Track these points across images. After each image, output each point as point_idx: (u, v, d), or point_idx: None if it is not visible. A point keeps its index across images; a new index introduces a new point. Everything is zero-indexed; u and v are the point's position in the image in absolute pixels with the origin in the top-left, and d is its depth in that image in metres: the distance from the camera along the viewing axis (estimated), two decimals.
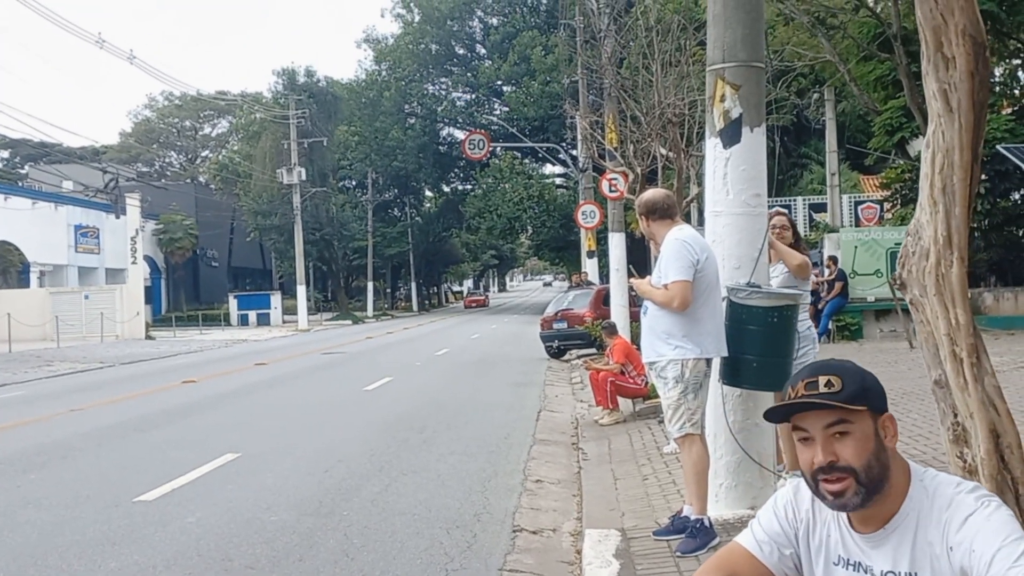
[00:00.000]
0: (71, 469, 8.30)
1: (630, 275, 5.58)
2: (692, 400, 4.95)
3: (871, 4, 20.36)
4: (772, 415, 1.99)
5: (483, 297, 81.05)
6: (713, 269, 5.05)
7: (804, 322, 6.01)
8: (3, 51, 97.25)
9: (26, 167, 58.07)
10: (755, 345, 5.18)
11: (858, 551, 1.92)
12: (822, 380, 1.89)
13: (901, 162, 20.80)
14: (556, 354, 20.12)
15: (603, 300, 18.83)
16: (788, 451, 5.77)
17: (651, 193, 5.47)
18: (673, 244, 5.00)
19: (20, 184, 49.38)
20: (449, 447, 9.01)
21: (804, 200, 26.74)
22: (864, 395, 1.88)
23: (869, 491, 1.87)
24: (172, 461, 8.47)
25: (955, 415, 2.52)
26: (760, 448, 5.51)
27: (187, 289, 53.78)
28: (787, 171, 33.39)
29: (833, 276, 17.74)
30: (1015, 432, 2.51)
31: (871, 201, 24.83)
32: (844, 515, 1.94)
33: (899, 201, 20.48)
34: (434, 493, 6.97)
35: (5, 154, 64.73)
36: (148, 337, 35.56)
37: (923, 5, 2.44)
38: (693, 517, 4.95)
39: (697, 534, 4.89)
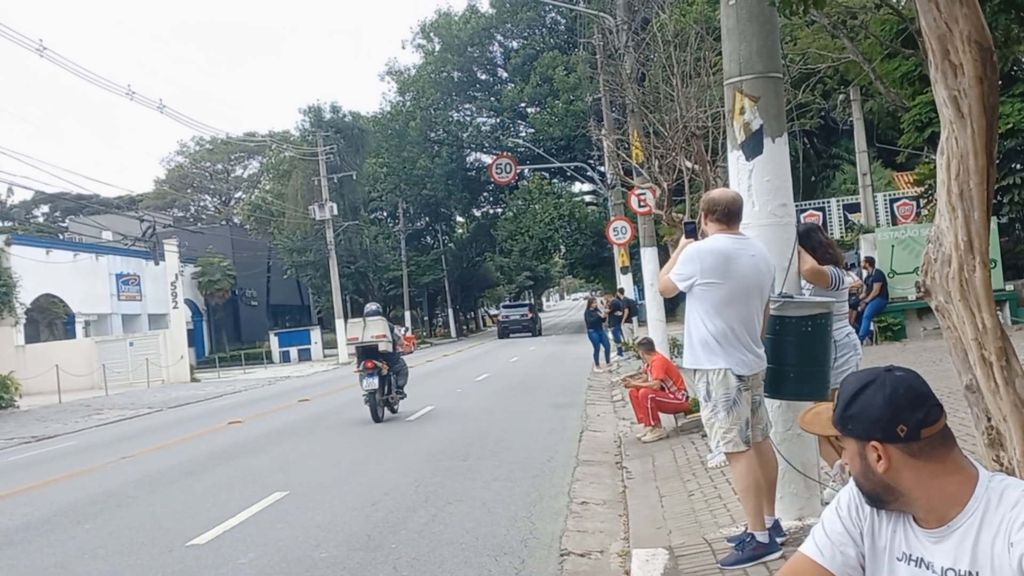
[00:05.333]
0: (124, 517, 8.43)
1: (691, 235, 5.40)
2: (724, 418, 4.90)
3: (892, 1, 20.23)
4: None
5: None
6: (740, 283, 4.90)
7: (843, 329, 5.95)
8: (37, 109, 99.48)
9: (66, 220, 59.25)
10: (791, 355, 5.17)
11: (920, 547, 1.95)
12: (837, 396, 2.02)
13: (933, 157, 20.57)
14: None
15: None
16: (825, 451, 5.76)
17: (720, 191, 5.34)
18: (689, 249, 5.03)
19: (61, 237, 50.39)
20: (493, 473, 9.03)
21: (838, 201, 26.53)
22: (841, 421, 2.00)
23: (868, 499, 2.03)
24: (222, 503, 8.58)
25: (988, 419, 2.51)
26: (804, 458, 5.49)
27: (228, 330, 54.39)
28: (819, 173, 33.17)
29: (870, 276, 17.56)
30: None
31: (907, 198, 24.55)
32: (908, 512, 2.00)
33: (935, 197, 20.24)
34: (480, 521, 7.00)
35: (45, 208, 66.10)
36: (193, 380, 35.98)
37: (927, 15, 2.46)
38: (748, 531, 4.95)
39: (744, 547, 4.88)
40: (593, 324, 23.38)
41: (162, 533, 7.51)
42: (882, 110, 26.23)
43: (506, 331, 50.74)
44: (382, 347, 14.74)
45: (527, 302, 57.85)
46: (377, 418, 14.45)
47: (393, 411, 15.15)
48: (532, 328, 50.39)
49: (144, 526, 7.88)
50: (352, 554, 6.31)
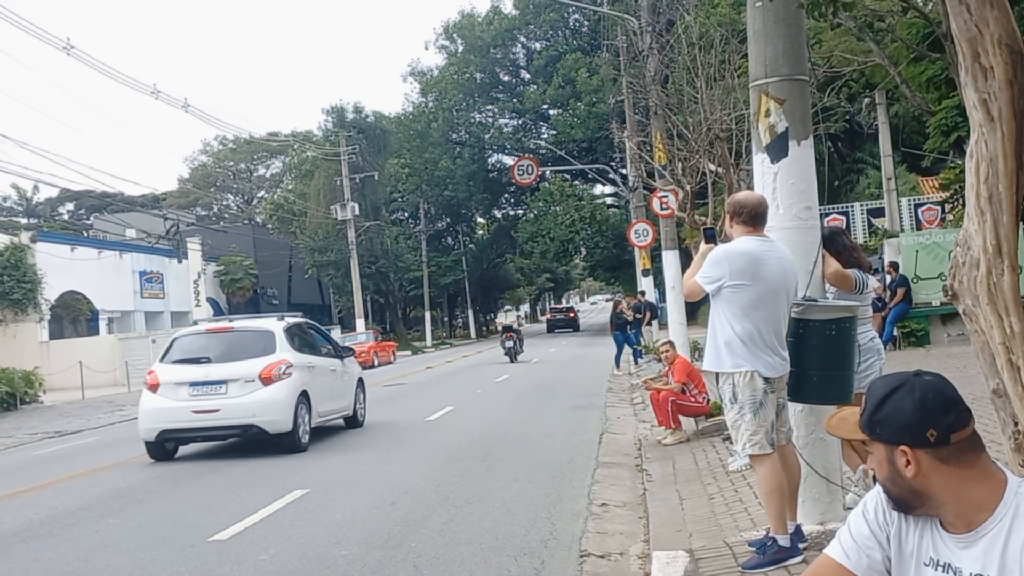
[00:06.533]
0: (147, 512, 8.50)
1: (711, 240, 5.39)
2: (750, 420, 4.89)
3: (919, 4, 20.05)
4: None
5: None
6: (768, 285, 4.90)
7: (867, 333, 5.92)
8: (63, 107, 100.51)
9: (91, 218, 59.80)
10: (815, 359, 5.14)
11: (948, 552, 1.95)
12: (864, 400, 2.01)
13: (959, 162, 20.37)
14: None
15: None
16: (847, 456, 5.74)
17: (745, 194, 5.35)
18: (717, 252, 5.03)
19: (86, 234, 50.85)
20: (513, 474, 9.04)
21: (862, 205, 26.35)
22: (869, 425, 1.99)
23: (895, 504, 2.01)
24: (244, 500, 8.63)
25: (1015, 424, 2.50)
26: (826, 462, 5.46)
27: None
28: (843, 177, 32.95)
29: (894, 281, 17.43)
30: None
31: (931, 203, 24.32)
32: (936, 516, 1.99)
33: (960, 202, 20.05)
34: (500, 521, 7.01)
35: (70, 206, 66.75)
36: None
37: (957, 18, 2.45)
38: (770, 534, 4.93)
39: (766, 551, 4.87)
40: (619, 327, 23.34)
41: (184, 528, 7.57)
42: (907, 114, 26.00)
43: (553, 327, 62.58)
44: (515, 326, 30.49)
45: (570, 305, 78.48)
46: (512, 360, 28.61)
47: (517, 359, 28.96)
48: (573, 324, 62.18)
49: (166, 521, 7.95)
50: (372, 552, 6.34)
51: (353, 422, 14.20)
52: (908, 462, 1.91)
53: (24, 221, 59.34)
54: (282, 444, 11.64)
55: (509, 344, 28.77)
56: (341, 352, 14.35)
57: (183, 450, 12.45)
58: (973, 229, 2.57)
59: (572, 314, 64.68)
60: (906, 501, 1.97)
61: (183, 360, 12.22)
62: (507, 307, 34.36)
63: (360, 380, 14.68)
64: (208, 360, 12.07)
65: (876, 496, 2.08)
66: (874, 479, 2.04)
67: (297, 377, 11.96)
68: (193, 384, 11.82)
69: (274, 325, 12.69)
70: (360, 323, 44.32)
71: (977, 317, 2.58)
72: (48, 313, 35.67)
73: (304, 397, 12.01)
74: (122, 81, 45.78)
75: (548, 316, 69.20)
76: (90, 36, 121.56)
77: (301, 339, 13.06)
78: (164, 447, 11.96)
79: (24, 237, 36.02)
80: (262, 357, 11.89)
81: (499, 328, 34.16)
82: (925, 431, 1.90)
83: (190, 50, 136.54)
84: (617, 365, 22.39)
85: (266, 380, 11.63)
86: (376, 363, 35.54)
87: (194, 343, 12.63)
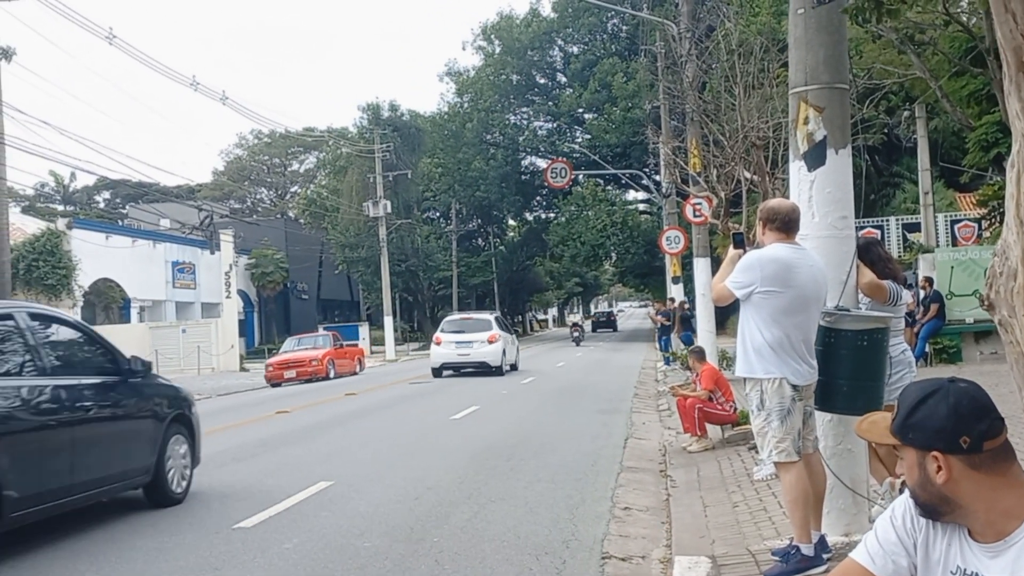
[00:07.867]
0: None
1: (740, 245, 5.39)
2: (777, 427, 4.86)
3: (963, 19, 19.82)
4: None
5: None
6: (799, 293, 4.87)
7: (899, 346, 5.88)
8: (103, 96, 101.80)
9: (126, 207, 60.51)
10: (845, 369, 5.10)
11: (975, 561, 1.94)
12: (897, 404, 2.00)
13: (998, 179, 20.11)
14: None
15: None
16: (874, 468, 5.69)
17: (778, 201, 5.34)
18: (749, 257, 5.01)
19: (121, 223, 51.45)
20: (536, 474, 9.05)
21: (897, 220, 26.05)
22: (902, 430, 1.98)
23: (923, 511, 2.00)
24: (269, 489, 8.70)
25: None
26: (853, 474, 5.43)
27: (278, 321, 55.05)
28: (879, 191, 32.61)
29: (927, 296, 17.25)
30: None
31: (968, 220, 24.01)
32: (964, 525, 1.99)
33: (998, 219, 19.79)
34: (523, 520, 7.02)
35: (106, 194, 67.60)
36: (242, 369, 36.51)
37: (1003, 26, 2.43)
38: (793, 543, 4.91)
39: (789, 560, 4.84)
40: (687, 326, 23.53)
41: (210, 515, 7.65)
42: (947, 129, 25.72)
43: (596, 327, 74.88)
44: (579, 323, 55.20)
45: (611, 310, 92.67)
46: (577, 344, 43.97)
47: (579, 344, 43.89)
48: (613, 325, 76.25)
49: (192, 507, 8.04)
50: (395, 545, 6.37)
51: (515, 368, 26.24)
52: (939, 468, 1.90)
53: (61, 208, 60.19)
54: (491, 372, 24.11)
55: (576, 334, 45.91)
56: (511, 331, 27.88)
57: (209, 439, 12.55)
58: (1012, 239, 2.55)
59: (612, 317, 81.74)
60: (935, 507, 1.96)
61: (451, 331, 25.18)
62: (574, 311, 59.84)
63: (517, 347, 28.23)
64: (463, 331, 24.88)
65: (904, 502, 2.07)
66: (901, 490, 2.03)
67: (501, 342, 24.75)
68: (457, 342, 24.63)
69: (490, 316, 26.51)
70: (388, 321, 44.51)
71: (1012, 328, 2.57)
72: (81, 299, 36.11)
73: (504, 352, 24.78)
74: (162, 72, 46.38)
75: (592, 318, 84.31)
76: (121, 28, 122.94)
77: (499, 324, 26.05)
78: (440, 372, 24.69)
79: (60, 224, 36.52)
80: (487, 331, 24.86)
81: (569, 324, 62.24)
82: (958, 437, 1.89)
83: (218, 47, 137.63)
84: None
85: (491, 341, 24.52)
86: (332, 375, 27.99)
87: (454, 323, 25.97)
